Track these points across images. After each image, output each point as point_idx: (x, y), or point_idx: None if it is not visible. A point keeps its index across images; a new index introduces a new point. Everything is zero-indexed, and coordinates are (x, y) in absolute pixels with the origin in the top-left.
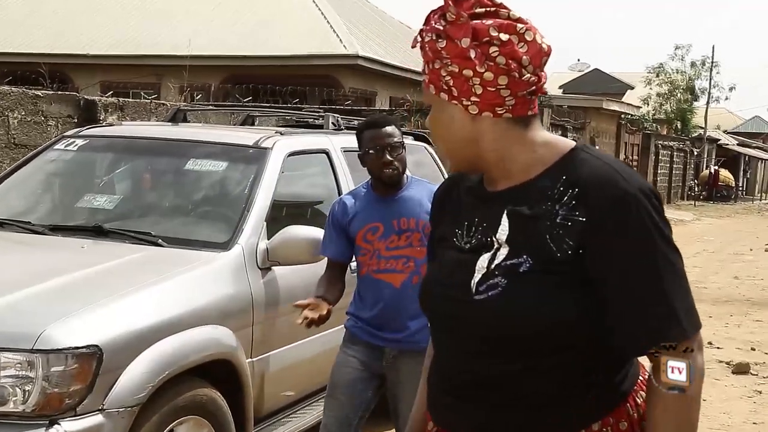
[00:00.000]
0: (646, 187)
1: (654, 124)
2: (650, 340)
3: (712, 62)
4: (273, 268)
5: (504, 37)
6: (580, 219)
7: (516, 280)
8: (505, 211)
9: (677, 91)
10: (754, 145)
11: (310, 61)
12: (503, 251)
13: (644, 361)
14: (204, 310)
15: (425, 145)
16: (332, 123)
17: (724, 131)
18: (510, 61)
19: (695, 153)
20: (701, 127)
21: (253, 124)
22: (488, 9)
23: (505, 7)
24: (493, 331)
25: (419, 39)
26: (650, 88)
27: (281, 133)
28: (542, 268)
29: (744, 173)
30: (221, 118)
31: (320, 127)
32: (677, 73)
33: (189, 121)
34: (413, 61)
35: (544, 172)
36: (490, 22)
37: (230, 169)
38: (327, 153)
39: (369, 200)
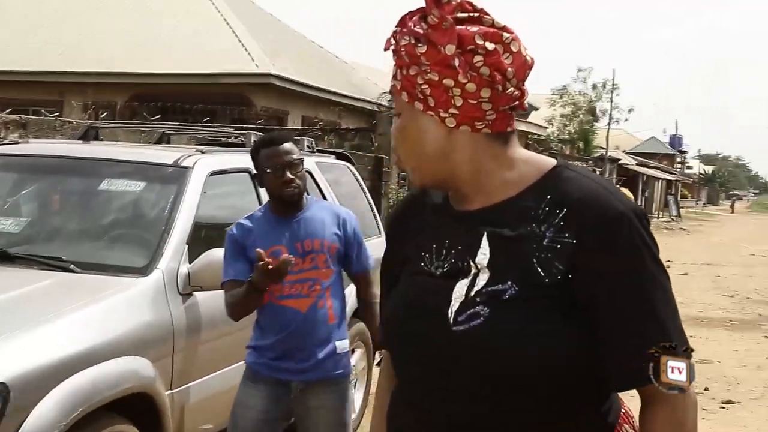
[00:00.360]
0: (637, 207)
1: (559, 144)
2: (642, 360)
3: (613, 85)
4: (195, 293)
5: (490, 46)
6: (570, 241)
7: (500, 308)
8: (485, 233)
9: (580, 112)
10: (652, 165)
11: (220, 80)
12: (483, 276)
13: (625, 395)
14: (121, 340)
15: (347, 164)
16: (254, 141)
17: (624, 151)
18: (495, 73)
19: (597, 172)
20: (602, 148)
21: (168, 142)
22: (471, 15)
23: (488, 14)
24: (476, 365)
25: (393, 42)
26: (554, 109)
27: (202, 152)
28: (529, 294)
29: (642, 192)
30: (131, 137)
31: (238, 145)
32: (580, 95)
33: (101, 139)
34: (326, 80)
35: (525, 191)
36: (475, 29)
37: (148, 190)
38: (249, 172)
39: (268, 223)
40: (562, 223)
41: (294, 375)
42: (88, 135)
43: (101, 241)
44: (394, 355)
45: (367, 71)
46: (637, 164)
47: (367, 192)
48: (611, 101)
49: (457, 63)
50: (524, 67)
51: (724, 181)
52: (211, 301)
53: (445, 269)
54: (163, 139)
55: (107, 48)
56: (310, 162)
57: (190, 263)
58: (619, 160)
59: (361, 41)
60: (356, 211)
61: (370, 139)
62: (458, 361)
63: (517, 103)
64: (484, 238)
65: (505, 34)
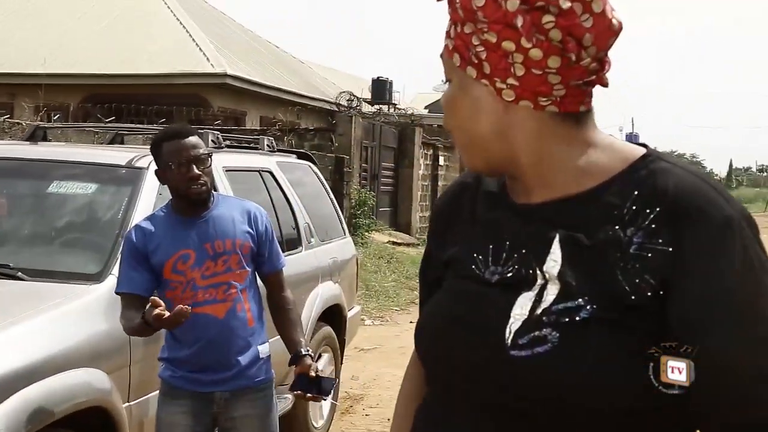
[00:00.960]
0: (747, 212)
1: None
2: (753, 408)
3: None
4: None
5: (565, 4)
6: (666, 248)
7: (572, 333)
8: (558, 235)
9: None
10: None
11: (175, 80)
12: (552, 290)
13: None
14: (73, 351)
15: (309, 163)
16: (212, 140)
17: None
18: (567, 38)
19: None
20: None
21: (122, 143)
22: None
23: None
24: (538, 399)
25: None
26: None
27: None
28: (609, 315)
29: None
30: (84, 138)
31: None
32: None
33: (49, 140)
34: (283, 80)
35: (606, 184)
36: None
37: (101, 192)
38: None
39: (173, 225)
40: (653, 225)
41: (216, 386)
42: (36, 136)
43: (51, 246)
44: (428, 369)
45: (324, 71)
46: None
47: (330, 192)
48: None
49: (520, 22)
50: (608, 33)
51: None
52: None
53: (505, 276)
54: (116, 140)
55: (60, 49)
56: (271, 162)
57: None
58: None
59: (317, 41)
60: (320, 213)
61: (329, 139)
62: (514, 389)
63: (594, 77)
64: (556, 241)
65: None
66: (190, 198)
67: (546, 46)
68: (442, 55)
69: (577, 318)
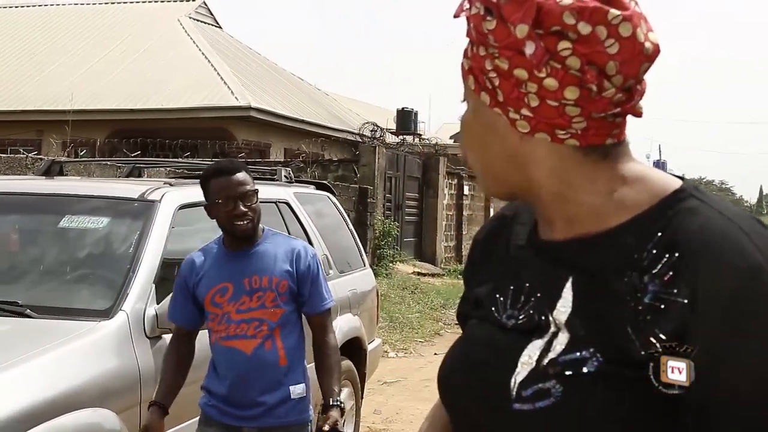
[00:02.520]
0: None
1: None
2: None
3: None
4: (164, 336)
5: (584, 29)
6: (681, 300)
7: (576, 388)
8: (570, 279)
9: None
10: None
11: (200, 114)
12: (562, 339)
13: None
14: (81, 390)
15: (328, 194)
16: (204, 170)
17: None
18: (587, 67)
19: None
20: None
21: (140, 175)
22: None
23: None
24: None
25: (466, 6)
26: None
27: (171, 184)
28: (616, 369)
29: None
30: (107, 173)
31: None
32: None
33: (66, 175)
34: (307, 112)
35: (628, 223)
36: (568, 1)
37: (112, 226)
38: None
39: (218, 258)
40: (671, 272)
41: (243, 422)
42: (51, 171)
43: (61, 282)
44: (450, 417)
45: (349, 103)
46: None
47: (350, 223)
48: None
49: (530, 50)
50: (639, 58)
51: None
52: None
53: (519, 321)
54: (133, 173)
55: (86, 85)
56: (289, 193)
57: (157, 304)
58: None
59: (340, 73)
60: (340, 244)
61: (353, 170)
62: None
63: (621, 109)
64: (568, 285)
65: (613, 12)
66: (235, 234)
67: (562, 76)
68: (462, 74)
69: (583, 370)
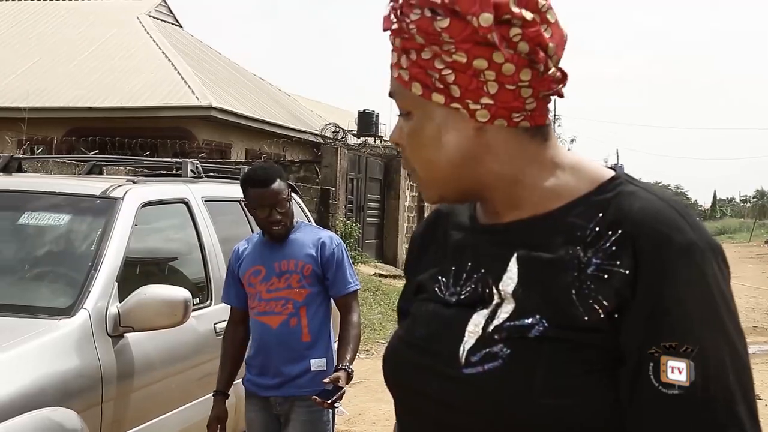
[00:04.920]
0: (716, 243)
1: None
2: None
3: (555, 115)
4: (126, 335)
5: (528, 15)
6: (622, 271)
7: (523, 350)
8: (515, 254)
9: None
10: None
11: (160, 113)
12: (507, 308)
13: None
14: (41, 390)
15: (293, 194)
16: (191, 170)
17: None
18: (536, 48)
19: None
20: None
21: (100, 173)
22: None
23: None
24: (486, 418)
25: (394, 18)
26: None
27: (133, 182)
28: (561, 335)
29: None
30: (65, 171)
31: (177, 175)
32: None
33: (25, 172)
34: (268, 112)
35: (571, 205)
36: None
37: (74, 223)
38: (186, 203)
39: (257, 245)
40: (614, 248)
41: (270, 390)
42: (10, 167)
43: (21, 280)
44: (394, 397)
45: (311, 104)
46: None
47: (313, 222)
48: (553, 131)
49: (496, 38)
50: (563, 42)
51: None
52: (146, 342)
53: (462, 297)
54: (94, 171)
55: (43, 82)
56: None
57: (120, 302)
58: None
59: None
60: None
61: (315, 171)
62: (465, 413)
63: (556, 87)
64: (513, 259)
65: (540, 1)
66: (271, 235)
67: (516, 60)
68: (391, 93)
69: (529, 335)
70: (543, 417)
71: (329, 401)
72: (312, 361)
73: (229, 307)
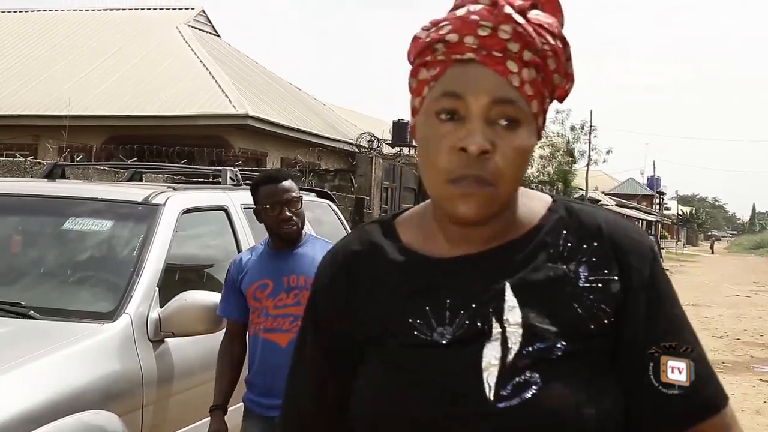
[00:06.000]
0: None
1: (539, 185)
2: (705, 411)
3: (591, 126)
4: (167, 340)
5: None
6: (612, 278)
7: (551, 372)
8: (507, 283)
9: (558, 153)
10: (631, 205)
11: (197, 121)
12: (515, 336)
13: None
14: (83, 392)
15: (328, 202)
16: (230, 178)
17: (602, 192)
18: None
19: None
20: (581, 189)
21: (140, 180)
22: None
23: None
24: None
25: (527, 31)
26: (533, 151)
27: (174, 189)
28: (577, 348)
29: None
30: (105, 178)
31: (216, 183)
32: (558, 136)
33: (68, 178)
34: (304, 121)
35: (538, 226)
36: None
37: (116, 229)
38: (226, 210)
39: (263, 257)
40: (594, 259)
41: (277, 411)
42: (54, 173)
43: (65, 284)
44: None
45: (344, 113)
46: (616, 205)
47: (349, 230)
48: (589, 142)
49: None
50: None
51: (702, 222)
52: (186, 347)
53: (457, 335)
54: (134, 178)
55: (83, 91)
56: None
57: (161, 307)
58: (599, 201)
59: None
60: None
61: (350, 180)
62: None
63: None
64: (508, 288)
65: None
66: (281, 236)
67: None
68: (499, 98)
69: (552, 357)
70: (591, 425)
71: None
72: None
73: (226, 320)
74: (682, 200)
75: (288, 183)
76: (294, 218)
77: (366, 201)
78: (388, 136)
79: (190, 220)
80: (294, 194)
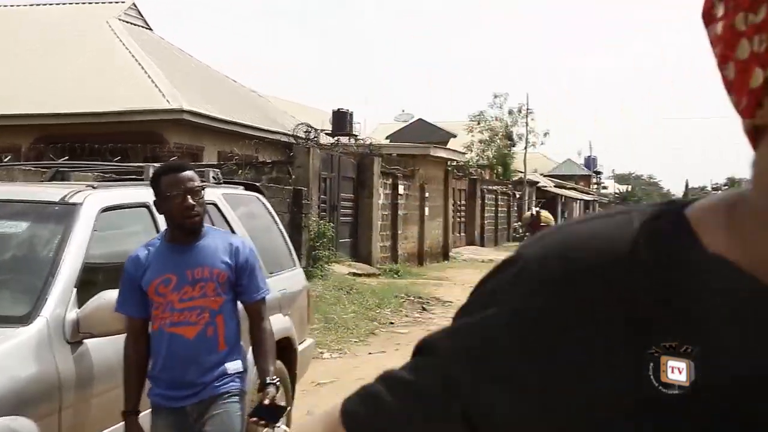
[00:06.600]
0: None
1: (478, 170)
2: None
3: (528, 110)
4: (86, 341)
5: None
6: None
7: None
8: None
9: (497, 137)
10: (569, 186)
11: (131, 117)
12: None
13: None
14: None
15: (257, 195)
16: (213, 177)
17: (542, 174)
18: None
19: (517, 196)
20: (521, 171)
21: (63, 179)
22: None
23: None
24: None
25: None
26: (472, 136)
27: (93, 187)
28: None
29: (561, 213)
30: (31, 178)
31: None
32: (496, 120)
33: None
34: (240, 114)
35: None
36: None
37: (33, 229)
38: (148, 207)
39: (162, 252)
40: None
41: (186, 400)
42: None
43: None
44: None
45: (287, 105)
46: (555, 186)
47: (280, 224)
48: (527, 125)
49: None
50: None
51: (638, 199)
52: (106, 348)
53: None
54: (57, 177)
55: (9, 89)
56: (217, 194)
57: (79, 308)
58: (538, 183)
59: (275, 74)
60: (270, 244)
61: (287, 172)
62: None
63: None
64: None
65: None
66: (184, 226)
67: None
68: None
69: None
70: None
71: (274, 423)
72: (228, 365)
73: (125, 317)
74: (619, 179)
75: (190, 173)
76: (197, 207)
77: (304, 192)
78: (329, 127)
79: (111, 219)
80: (197, 183)
